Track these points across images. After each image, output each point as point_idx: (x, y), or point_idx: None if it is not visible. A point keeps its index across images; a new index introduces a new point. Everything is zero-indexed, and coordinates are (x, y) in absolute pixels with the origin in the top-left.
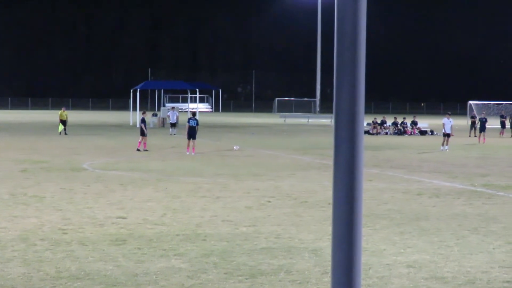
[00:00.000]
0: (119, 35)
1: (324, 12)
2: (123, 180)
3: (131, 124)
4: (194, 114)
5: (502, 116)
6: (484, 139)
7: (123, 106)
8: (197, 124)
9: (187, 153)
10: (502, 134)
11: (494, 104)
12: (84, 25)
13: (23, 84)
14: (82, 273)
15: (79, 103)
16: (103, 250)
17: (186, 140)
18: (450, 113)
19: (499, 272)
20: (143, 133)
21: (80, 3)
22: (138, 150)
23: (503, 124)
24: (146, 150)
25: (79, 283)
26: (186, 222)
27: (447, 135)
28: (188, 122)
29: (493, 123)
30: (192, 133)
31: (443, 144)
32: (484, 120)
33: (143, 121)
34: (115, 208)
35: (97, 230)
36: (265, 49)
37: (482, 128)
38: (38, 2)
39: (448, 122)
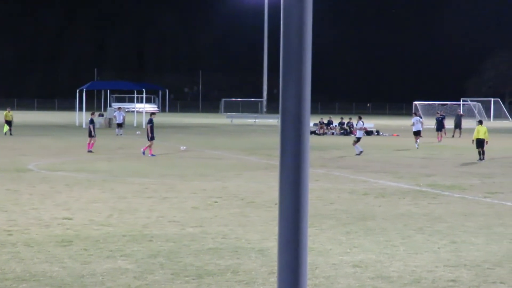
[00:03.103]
0: (65, 34)
1: (271, 12)
2: (69, 181)
3: (77, 124)
4: (150, 114)
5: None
6: (441, 137)
7: (69, 107)
8: (148, 123)
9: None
10: (444, 134)
11: (439, 104)
12: (30, 24)
13: None
14: (28, 274)
15: (25, 104)
16: (49, 251)
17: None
18: (415, 112)
19: (444, 271)
20: (90, 134)
21: (26, 1)
22: (90, 151)
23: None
24: (90, 151)
25: (24, 285)
26: (132, 223)
27: (416, 133)
28: None
29: (430, 123)
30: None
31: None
32: (440, 119)
33: (91, 122)
34: (61, 209)
35: (42, 231)
36: (211, 50)
37: (439, 127)
38: None
39: (416, 121)
